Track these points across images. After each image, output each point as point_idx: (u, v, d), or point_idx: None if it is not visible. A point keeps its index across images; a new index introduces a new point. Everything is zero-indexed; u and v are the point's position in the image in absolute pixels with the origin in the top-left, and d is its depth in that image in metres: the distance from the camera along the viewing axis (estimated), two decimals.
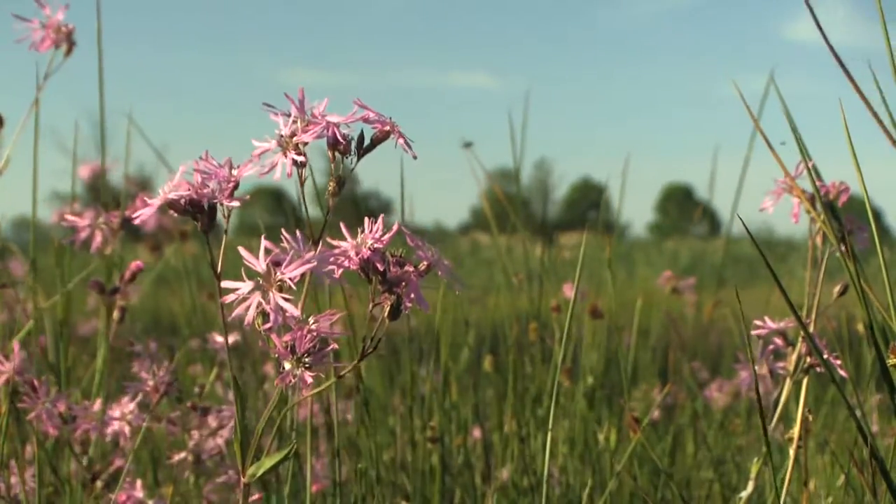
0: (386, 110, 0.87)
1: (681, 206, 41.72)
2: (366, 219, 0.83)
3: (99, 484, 1.26)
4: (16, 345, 1.24)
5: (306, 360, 0.80)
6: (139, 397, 1.30)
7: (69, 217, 1.10)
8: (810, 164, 1.09)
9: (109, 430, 1.27)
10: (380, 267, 0.81)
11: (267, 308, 0.76)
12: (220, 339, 1.75)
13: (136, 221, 0.86)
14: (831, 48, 0.91)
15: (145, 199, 0.86)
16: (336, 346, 0.82)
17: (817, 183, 1.09)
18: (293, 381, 0.80)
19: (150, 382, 1.31)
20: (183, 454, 1.47)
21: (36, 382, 1.21)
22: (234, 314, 0.77)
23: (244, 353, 2.12)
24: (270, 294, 0.76)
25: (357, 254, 0.81)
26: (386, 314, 0.82)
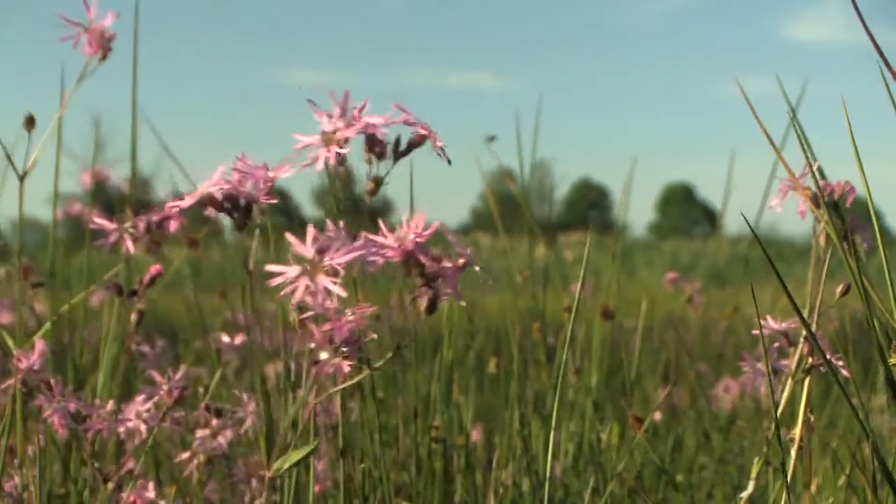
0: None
1: (681, 206, 41.73)
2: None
3: (110, 486, 1.26)
4: (38, 342, 1.25)
5: (344, 349, 0.82)
6: (155, 398, 1.31)
7: (97, 220, 1.10)
8: (815, 165, 1.09)
9: (122, 429, 1.27)
10: (422, 260, 0.83)
11: (309, 297, 0.78)
12: (226, 338, 1.76)
13: (172, 212, 0.88)
14: (876, 46, 0.91)
15: (176, 200, 0.88)
16: (374, 335, 0.85)
17: (821, 182, 1.09)
18: (331, 370, 0.83)
19: (165, 386, 1.31)
20: (187, 454, 1.48)
21: (52, 381, 1.22)
22: (281, 294, 0.78)
23: (246, 353, 2.13)
24: (318, 278, 0.78)
25: (400, 246, 0.83)
26: (423, 308, 0.84)
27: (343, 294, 0.78)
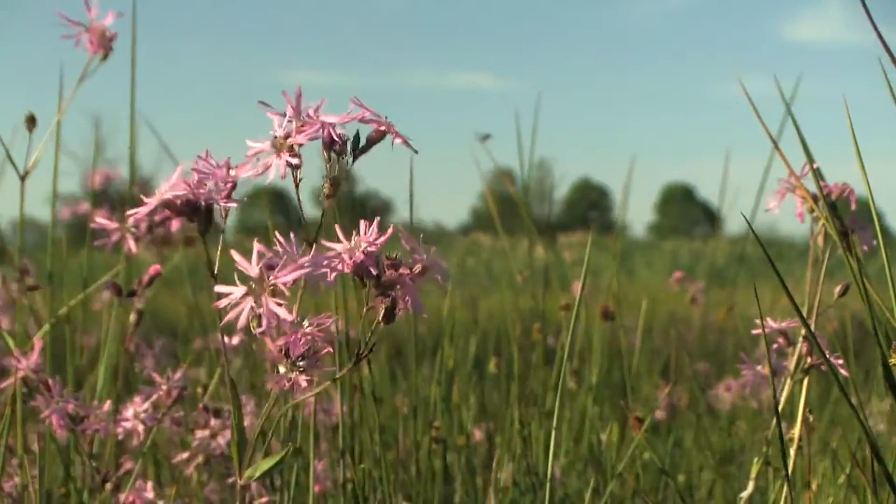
0: (385, 110, 0.87)
1: (681, 206, 41.70)
2: (361, 221, 0.82)
3: (108, 486, 1.26)
4: (37, 342, 1.24)
5: (300, 363, 0.80)
6: (153, 398, 1.31)
7: (99, 220, 1.09)
8: (815, 166, 1.09)
9: (120, 429, 1.27)
10: (373, 271, 0.80)
11: (260, 312, 0.75)
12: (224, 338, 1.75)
13: (131, 221, 0.86)
14: (883, 41, 0.91)
15: (143, 199, 0.85)
16: (330, 349, 0.82)
17: (820, 183, 1.09)
18: (287, 384, 0.80)
19: (164, 386, 1.31)
20: (186, 454, 1.48)
21: (50, 381, 1.22)
22: (226, 319, 0.76)
23: (248, 353, 2.13)
24: (263, 299, 0.75)
25: (350, 257, 0.80)
26: (380, 318, 0.81)
27: (289, 317, 0.75)
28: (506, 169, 2.44)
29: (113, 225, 1.41)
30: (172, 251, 2.38)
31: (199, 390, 1.66)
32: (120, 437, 1.29)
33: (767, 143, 1.08)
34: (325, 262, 0.79)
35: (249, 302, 0.75)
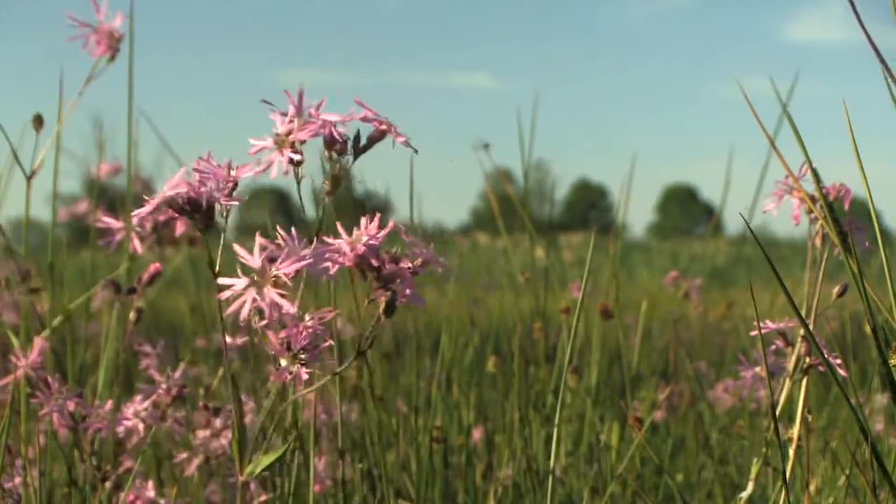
0: (385, 110, 0.88)
1: (682, 206, 41.68)
2: (362, 217, 0.83)
3: (108, 485, 1.26)
4: (37, 340, 1.25)
5: (302, 356, 0.81)
6: (153, 397, 1.31)
7: (105, 219, 1.10)
8: (813, 166, 1.09)
9: (121, 428, 1.27)
10: (374, 263, 0.81)
11: (262, 304, 0.76)
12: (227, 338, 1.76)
13: (135, 220, 0.87)
14: (874, 47, 0.91)
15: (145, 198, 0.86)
16: (332, 342, 0.83)
17: (819, 184, 1.10)
18: (289, 378, 0.81)
19: (164, 385, 1.31)
20: (187, 454, 1.48)
21: (50, 380, 1.22)
22: (229, 311, 0.77)
23: (248, 352, 2.13)
24: (265, 290, 0.76)
25: (352, 250, 0.81)
26: (381, 310, 0.82)
27: (290, 309, 0.76)
28: (505, 169, 2.45)
29: (118, 224, 1.41)
30: (175, 251, 2.38)
31: (201, 390, 1.67)
32: (121, 436, 1.29)
33: (769, 144, 1.08)
34: (327, 255, 0.80)
35: (252, 293, 0.76)
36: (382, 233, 0.82)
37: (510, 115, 2.23)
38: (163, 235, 1.48)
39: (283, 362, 0.81)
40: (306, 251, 0.78)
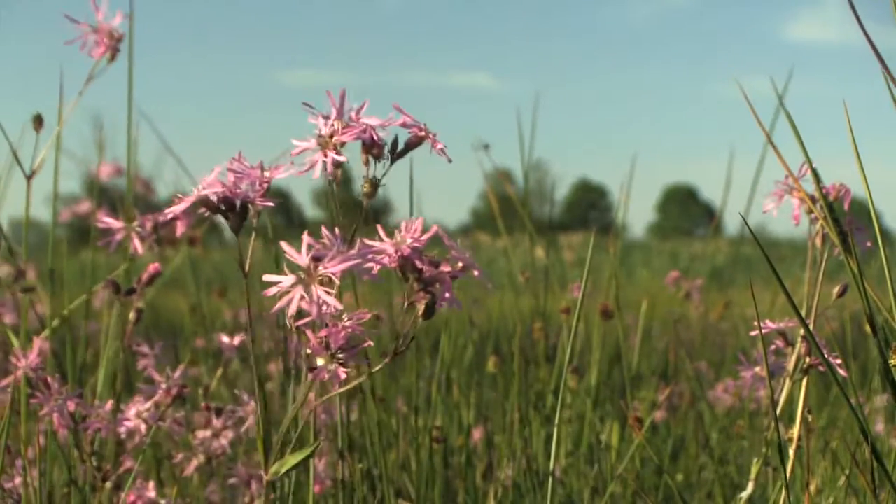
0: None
1: (682, 206, 41.68)
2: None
3: (108, 485, 1.26)
4: (37, 341, 1.24)
5: (340, 355, 0.82)
6: (155, 397, 1.31)
7: (105, 219, 1.10)
8: (813, 166, 1.09)
9: (122, 429, 1.27)
10: (418, 265, 0.83)
11: (305, 303, 0.77)
12: (226, 338, 1.76)
13: (169, 217, 0.88)
14: (874, 48, 0.91)
15: (178, 196, 0.87)
16: (371, 342, 0.84)
17: (819, 184, 1.10)
18: (327, 376, 0.82)
19: (164, 385, 1.31)
20: (187, 454, 1.48)
21: (50, 380, 1.22)
22: (276, 307, 0.78)
23: (248, 352, 2.13)
24: (312, 288, 0.77)
25: (396, 252, 0.83)
26: (420, 312, 0.84)
27: (338, 306, 0.77)
28: (505, 169, 2.45)
29: (118, 224, 1.41)
30: (175, 251, 2.38)
31: (200, 391, 1.67)
32: (122, 437, 1.29)
33: (767, 144, 1.08)
34: (370, 256, 0.82)
35: (299, 290, 0.77)
36: (427, 235, 0.84)
37: (510, 115, 2.23)
38: (163, 236, 1.47)
39: (321, 361, 0.82)
40: (353, 251, 0.80)
